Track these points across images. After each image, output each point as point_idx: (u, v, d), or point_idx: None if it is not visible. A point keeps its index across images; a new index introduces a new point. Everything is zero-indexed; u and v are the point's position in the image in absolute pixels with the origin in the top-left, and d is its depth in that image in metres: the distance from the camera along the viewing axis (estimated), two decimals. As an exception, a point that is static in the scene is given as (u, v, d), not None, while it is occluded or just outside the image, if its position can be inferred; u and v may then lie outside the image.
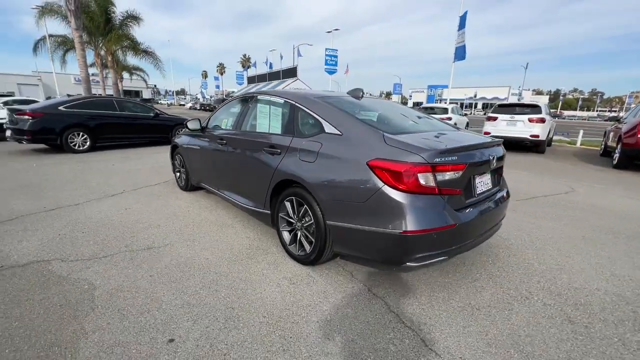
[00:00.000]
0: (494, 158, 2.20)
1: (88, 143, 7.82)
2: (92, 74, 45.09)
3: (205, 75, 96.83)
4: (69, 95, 9.40)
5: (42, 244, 2.73)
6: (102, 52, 18.66)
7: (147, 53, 19.12)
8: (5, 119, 7.83)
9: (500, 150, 2.41)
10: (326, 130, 2.28)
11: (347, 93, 2.93)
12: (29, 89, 43.41)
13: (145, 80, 43.14)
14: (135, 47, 17.87)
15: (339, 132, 2.20)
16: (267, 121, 2.88)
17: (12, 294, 2.05)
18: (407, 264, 1.87)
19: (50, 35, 19.42)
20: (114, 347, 1.62)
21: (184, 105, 57.86)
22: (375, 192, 1.87)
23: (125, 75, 39.75)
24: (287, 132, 2.59)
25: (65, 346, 1.62)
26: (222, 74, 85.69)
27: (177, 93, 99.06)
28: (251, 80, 34.85)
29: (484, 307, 2.01)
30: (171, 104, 65.25)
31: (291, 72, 26.29)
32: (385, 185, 1.84)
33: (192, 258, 2.55)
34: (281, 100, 2.80)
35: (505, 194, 2.49)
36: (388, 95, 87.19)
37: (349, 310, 1.96)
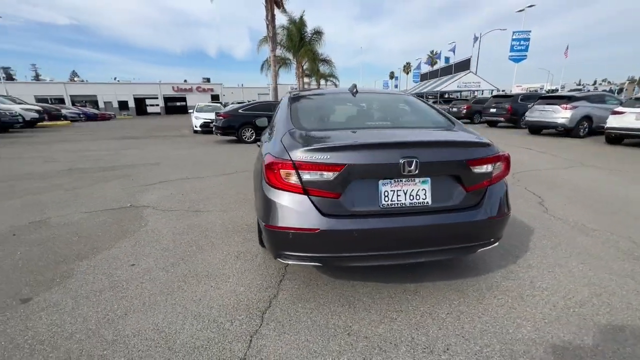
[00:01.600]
0: (412, 163, 1.75)
1: (254, 136, 10.54)
2: (304, 83, 57.25)
3: (392, 75, 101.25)
4: (249, 102, 12.90)
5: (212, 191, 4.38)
6: (305, 65, 23.47)
7: (325, 61, 22.59)
8: (213, 119, 11.71)
9: (442, 153, 1.86)
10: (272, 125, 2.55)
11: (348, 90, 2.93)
12: (264, 97, 60.11)
13: (335, 85, 50.65)
14: (314, 57, 21.52)
15: (271, 129, 2.42)
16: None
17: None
18: (279, 259, 1.91)
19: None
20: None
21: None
22: (260, 182, 2.02)
23: (320, 82, 48.27)
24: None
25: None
26: (407, 73, 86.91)
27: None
28: (423, 77, 33.60)
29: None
30: (353, 105, 72.99)
31: (464, 65, 23.39)
32: (264, 179, 1.96)
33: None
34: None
35: (490, 213, 1.89)
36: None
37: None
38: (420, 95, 31.27)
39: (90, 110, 28.54)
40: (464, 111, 17.28)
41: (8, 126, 13.65)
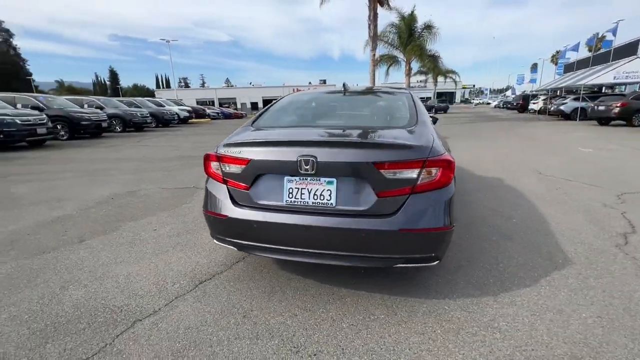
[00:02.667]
0: (309, 162, 1.72)
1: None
2: (419, 81, 54.68)
3: (534, 67, 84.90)
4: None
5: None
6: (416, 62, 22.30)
7: (432, 57, 21.02)
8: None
9: (346, 153, 1.75)
10: None
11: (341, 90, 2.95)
12: (376, 96, 60.16)
13: (455, 82, 46.58)
14: (421, 53, 20.25)
15: None
16: None
17: (178, 196, 4.50)
18: (214, 240, 2.18)
19: (382, 55, 26.27)
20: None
21: (489, 104, 55.67)
22: None
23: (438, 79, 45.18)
24: None
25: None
26: (556, 63, 71.14)
27: (500, 91, 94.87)
28: (568, 68, 26.49)
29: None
30: (478, 103, 64.48)
31: (628, 49, 17.11)
32: None
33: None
34: None
35: (405, 225, 1.69)
36: None
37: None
38: (555, 91, 24.81)
39: (228, 110, 34.96)
40: (616, 109, 13.14)
41: (168, 122, 18.24)
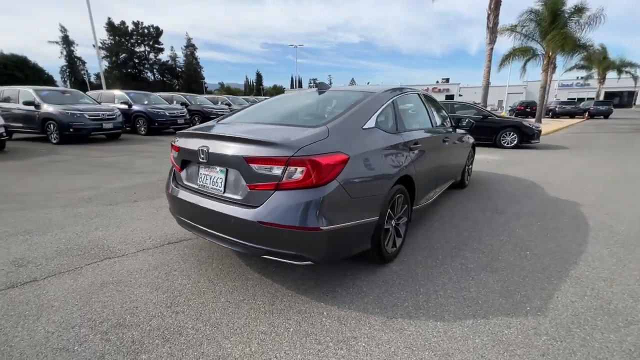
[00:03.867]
0: (203, 152, 1.97)
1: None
2: (580, 78, 43.92)
3: None
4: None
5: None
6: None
7: (582, 47, 16.42)
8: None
9: (235, 148, 1.88)
10: None
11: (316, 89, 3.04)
12: (514, 97, 51.47)
13: (635, 79, 35.60)
14: (564, 43, 16.02)
15: None
16: None
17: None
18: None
19: (515, 49, 22.35)
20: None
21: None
22: None
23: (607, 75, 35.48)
24: None
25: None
26: None
27: None
28: None
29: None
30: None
31: None
32: None
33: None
34: None
35: (262, 218, 1.79)
36: None
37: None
38: None
39: None
40: None
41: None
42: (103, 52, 62.79)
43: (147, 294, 2.06)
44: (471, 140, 4.72)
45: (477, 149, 9.11)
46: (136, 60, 66.64)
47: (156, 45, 68.48)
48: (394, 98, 2.67)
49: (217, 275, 2.30)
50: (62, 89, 11.45)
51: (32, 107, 9.18)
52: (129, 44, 65.28)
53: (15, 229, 3.08)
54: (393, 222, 2.45)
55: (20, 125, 9.61)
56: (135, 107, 11.85)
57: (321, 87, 2.94)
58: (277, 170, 1.77)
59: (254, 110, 2.88)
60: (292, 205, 1.75)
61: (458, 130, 4.25)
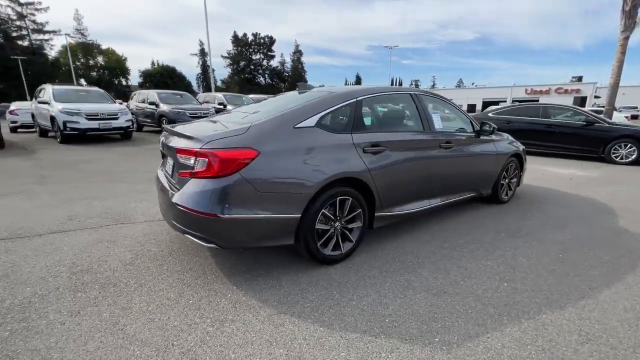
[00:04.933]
0: (163, 145, 2.35)
1: (498, 145, 8.94)
2: None
3: None
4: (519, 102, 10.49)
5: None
6: None
7: None
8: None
9: (176, 141, 2.17)
10: None
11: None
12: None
13: None
14: None
15: None
16: None
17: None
18: None
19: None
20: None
21: None
22: None
23: None
24: None
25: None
26: None
27: None
28: None
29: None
30: None
31: None
32: None
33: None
34: None
35: (177, 200, 2.07)
36: None
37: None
38: None
39: None
40: None
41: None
42: (228, 61, 74.14)
43: (121, 253, 2.60)
44: (513, 148, 3.98)
45: (570, 162, 7.45)
46: (252, 67, 76.22)
47: (269, 53, 76.91)
48: (358, 98, 2.58)
49: (180, 248, 2.69)
50: (178, 92, 14.16)
51: (154, 106, 11.76)
52: (248, 53, 75.16)
53: (90, 195, 4.18)
54: (338, 225, 2.40)
55: (148, 120, 12.40)
56: (229, 107, 13.87)
57: (301, 88, 3.04)
58: (191, 161, 2.02)
59: (234, 110, 3.23)
60: (197, 192, 1.97)
61: (492, 137, 3.69)
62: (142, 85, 58.14)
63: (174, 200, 2.09)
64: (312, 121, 2.29)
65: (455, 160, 3.21)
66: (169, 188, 2.28)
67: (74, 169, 5.85)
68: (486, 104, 45.34)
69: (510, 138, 4.26)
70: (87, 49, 56.18)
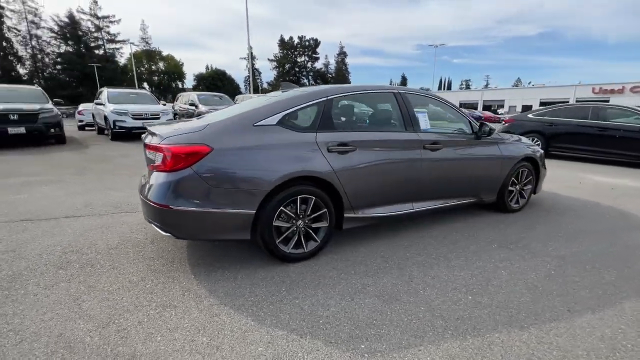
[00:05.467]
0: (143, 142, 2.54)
1: (539, 149, 8.13)
2: None
3: None
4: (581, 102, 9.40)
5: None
6: None
7: None
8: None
9: (148, 138, 2.33)
10: None
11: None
12: None
13: None
14: None
15: None
16: None
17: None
18: None
19: None
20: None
21: None
22: None
23: None
24: None
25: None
26: None
27: None
28: None
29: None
30: None
31: None
32: None
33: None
34: None
35: (147, 191, 2.24)
36: None
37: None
38: None
39: (476, 113, 32.03)
40: None
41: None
42: (274, 64, 76.81)
43: (111, 238, 2.86)
44: (525, 152, 3.61)
45: (623, 170, 6.49)
46: (297, 69, 78.08)
47: (313, 55, 78.21)
48: (329, 97, 2.55)
49: (163, 238, 2.88)
50: (217, 94, 15.04)
51: (193, 107, 12.64)
52: (293, 56, 77.14)
53: (111, 186, 4.64)
54: (300, 224, 2.41)
55: (189, 120, 13.40)
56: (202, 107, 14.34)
57: (284, 87, 3.08)
58: (154, 156, 2.17)
59: (222, 110, 3.36)
60: (155, 184, 2.11)
61: (497, 139, 3.41)
62: (195, 88, 62.74)
63: (141, 191, 2.27)
64: (273, 119, 2.32)
65: (446, 162, 3.01)
66: (143, 181, 2.48)
67: (110, 162, 6.54)
68: (543, 104, 41.15)
69: (527, 141, 3.87)
70: (150, 55, 62.03)
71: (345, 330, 1.74)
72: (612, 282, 2.26)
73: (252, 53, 75.57)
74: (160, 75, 63.77)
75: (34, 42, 49.46)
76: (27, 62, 49.98)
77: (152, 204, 2.10)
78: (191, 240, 2.74)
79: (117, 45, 56.37)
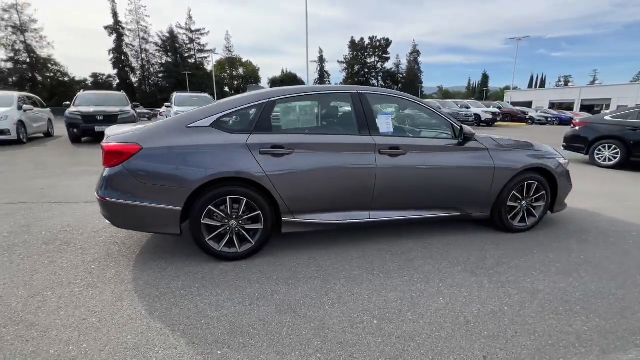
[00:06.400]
0: None
1: (617, 158, 6.61)
2: None
3: None
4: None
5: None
6: None
7: None
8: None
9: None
10: None
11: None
12: None
13: None
14: None
15: None
16: None
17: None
18: None
19: None
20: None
21: None
22: None
23: None
24: None
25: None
26: None
27: None
28: None
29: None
30: None
31: None
32: None
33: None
34: None
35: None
36: None
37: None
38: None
39: (565, 114, 27.15)
40: None
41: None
42: (343, 66, 77.52)
43: (100, 223, 3.30)
44: (531, 161, 2.98)
45: None
46: (366, 70, 77.44)
47: (384, 55, 76.56)
48: (271, 99, 2.52)
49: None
50: (197, 95, 13.71)
51: (170, 107, 13.51)
52: (363, 57, 76.71)
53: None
54: (233, 224, 2.44)
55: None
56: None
57: (250, 89, 3.14)
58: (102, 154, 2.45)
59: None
60: (99, 179, 2.38)
61: (488, 145, 2.93)
62: (268, 91, 67.33)
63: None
64: (207, 121, 2.40)
65: (412, 170, 2.69)
66: None
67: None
68: (669, 104, 32.96)
69: (540, 149, 3.18)
70: (232, 62, 68.57)
71: (216, 334, 1.72)
72: (580, 334, 1.75)
73: (322, 56, 77.58)
74: (239, 80, 69.97)
75: (143, 55, 59.22)
76: (138, 72, 59.98)
77: (95, 195, 2.38)
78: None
79: (205, 55, 63.75)
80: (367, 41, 76.13)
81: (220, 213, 2.40)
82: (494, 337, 1.72)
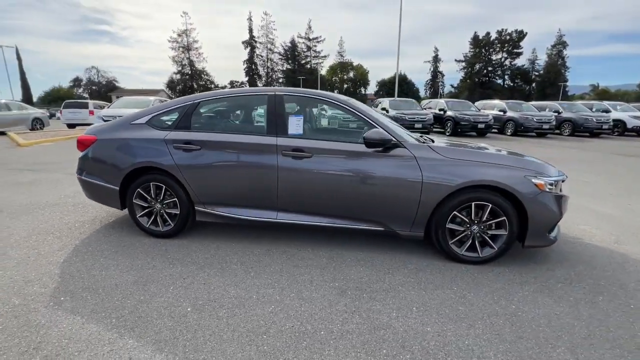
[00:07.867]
0: None
1: None
2: None
3: None
4: None
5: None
6: None
7: None
8: None
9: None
10: None
11: None
12: None
13: None
14: None
15: None
16: None
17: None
18: None
19: None
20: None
21: None
22: None
23: None
24: None
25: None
26: None
27: None
28: None
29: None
30: None
31: None
32: None
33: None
34: None
35: None
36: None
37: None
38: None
39: None
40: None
41: (591, 129, 14.34)
42: (462, 65, 70.42)
43: (89, 214, 4.26)
44: (474, 177, 2.34)
45: None
46: (489, 68, 68.29)
47: (514, 50, 65.83)
48: (196, 101, 2.85)
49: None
50: (406, 99, 15.84)
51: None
52: (487, 53, 67.85)
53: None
54: (158, 206, 2.89)
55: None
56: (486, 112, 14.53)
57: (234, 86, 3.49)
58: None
59: None
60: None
61: (419, 154, 2.50)
62: (376, 94, 67.31)
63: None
64: (144, 119, 2.90)
65: (318, 174, 2.55)
66: None
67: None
68: None
69: (515, 164, 2.45)
70: (343, 66, 71.44)
71: (113, 321, 2.17)
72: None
73: (437, 56, 72.33)
74: (349, 83, 72.32)
75: (268, 64, 68.09)
76: (263, 78, 69.33)
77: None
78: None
79: (320, 60, 68.53)
80: (494, 35, 66.97)
81: (147, 196, 2.88)
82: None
